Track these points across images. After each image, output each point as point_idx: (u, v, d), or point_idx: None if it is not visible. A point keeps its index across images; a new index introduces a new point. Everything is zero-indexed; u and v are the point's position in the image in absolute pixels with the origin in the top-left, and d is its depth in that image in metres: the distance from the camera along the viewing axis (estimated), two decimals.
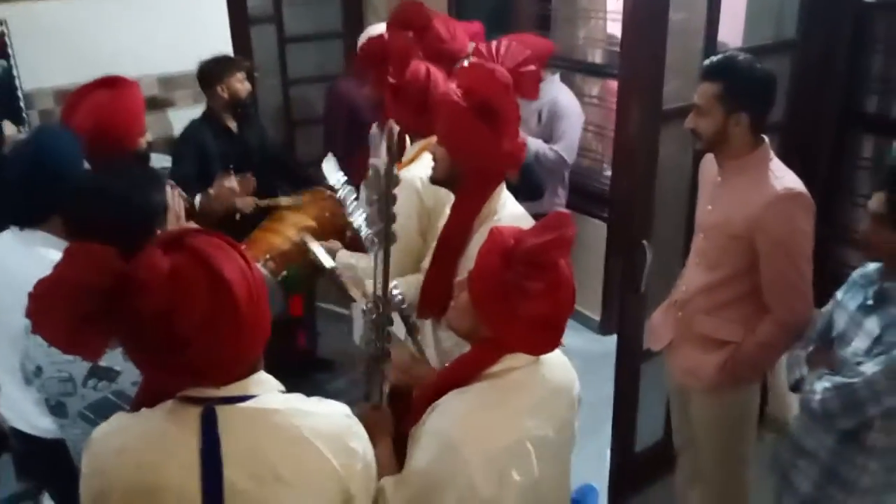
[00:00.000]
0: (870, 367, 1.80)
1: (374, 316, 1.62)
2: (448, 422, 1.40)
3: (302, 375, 3.47)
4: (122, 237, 1.26)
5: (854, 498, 1.92)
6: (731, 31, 2.84)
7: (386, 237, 1.53)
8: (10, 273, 1.84)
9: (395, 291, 2.10)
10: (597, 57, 4.23)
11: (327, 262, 1.97)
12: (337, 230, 2.79)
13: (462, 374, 1.47)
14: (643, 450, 2.91)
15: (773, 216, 2.06)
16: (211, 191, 3.11)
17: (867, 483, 1.89)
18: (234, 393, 1.20)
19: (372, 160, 1.56)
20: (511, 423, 1.41)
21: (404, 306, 2.05)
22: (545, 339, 1.43)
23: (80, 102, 2.26)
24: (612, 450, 2.83)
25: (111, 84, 2.30)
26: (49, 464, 1.89)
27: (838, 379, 1.86)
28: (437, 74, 2.30)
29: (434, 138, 2.11)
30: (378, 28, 3.69)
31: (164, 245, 1.13)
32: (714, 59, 2.16)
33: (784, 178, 2.11)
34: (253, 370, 1.24)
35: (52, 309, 1.09)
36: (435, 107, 2.06)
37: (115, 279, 1.10)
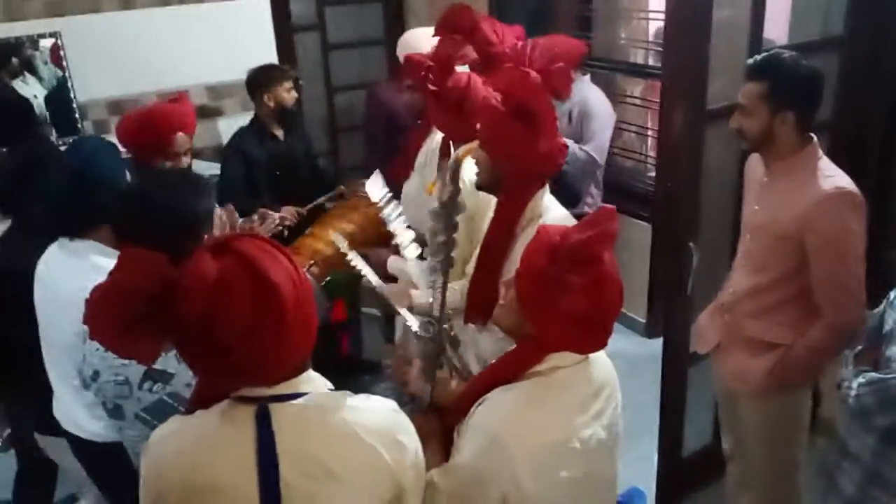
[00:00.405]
0: None
1: (429, 338, 1.64)
2: (494, 417, 1.41)
3: (346, 378, 3.51)
4: (168, 243, 1.29)
5: None
6: (777, 28, 2.79)
7: (446, 268, 1.54)
8: (59, 285, 1.91)
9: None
10: (639, 57, 4.19)
11: (374, 280, 1.99)
12: (381, 237, 2.82)
13: (507, 371, 1.47)
14: (691, 454, 2.87)
15: (822, 215, 2.02)
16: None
17: None
18: (285, 391, 1.22)
19: (436, 190, 1.58)
20: (558, 421, 1.42)
21: (450, 311, 2.08)
22: (590, 337, 1.42)
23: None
24: (658, 454, 2.80)
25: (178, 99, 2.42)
26: (103, 467, 1.95)
27: (874, 375, 1.81)
28: (477, 80, 2.32)
29: (475, 142, 2.13)
30: (416, 33, 3.73)
31: (212, 249, 1.16)
32: (758, 57, 2.13)
33: (834, 176, 2.07)
34: (302, 369, 1.26)
35: (105, 314, 1.12)
36: (475, 112, 2.08)
37: (163, 284, 1.13)
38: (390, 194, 2.55)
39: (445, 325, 1.93)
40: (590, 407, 1.46)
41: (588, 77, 3.70)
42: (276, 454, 1.18)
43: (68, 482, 2.75)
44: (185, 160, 2.63)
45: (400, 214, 2.41)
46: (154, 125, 2.55)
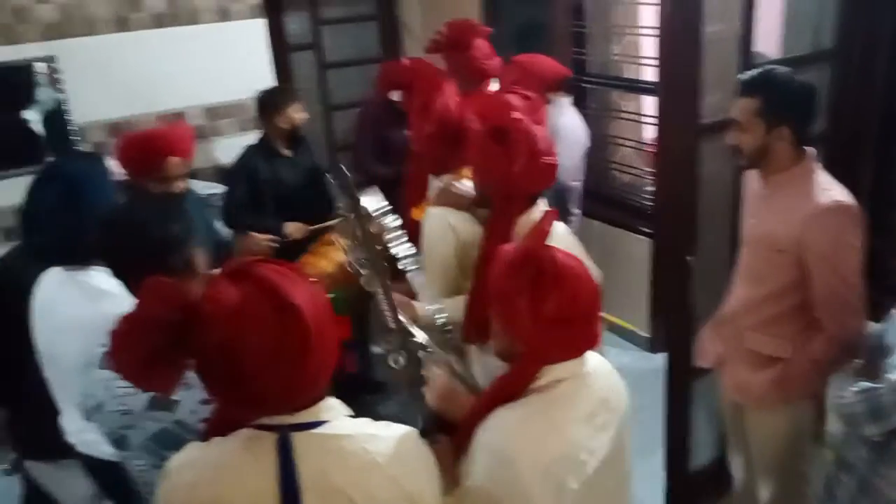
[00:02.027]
0: None
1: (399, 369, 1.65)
2: (499, 436, 1.40)
3: (351, 397, 3.50)
4: (141, 268, 1.28)
5: None
6: (768, 42, 2.81)
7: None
8: (60, 311, 1.90)
9: (438, 315, 2.13)
10: (632, 72, 4.21)
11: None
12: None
13: (506, 390, 1.47)
14: (698, 469, 2.86)
15: (819, 229, 2.03)
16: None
17: None
18: (306, 419, 1.21)
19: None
20: (563, 433, 1.41)
21: (449, 328, 2.07)
22: (572, 337, 1.41)
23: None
24: (666, 469, 2.80)
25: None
26: (119, 485, 1.92)
27: (866, 384, 1.82)
28: (462, 107, 2.36)
29: (459, 172, 2.25)
30: None
31: (230, 275, 1.15)
32: (750, 73, 2.13)
33: (831, 190, 2.08)
34: (323, 396, 1.26)
35: (129, 346, 1.10)
36: (465, 139, 2.14)
37: (183, 312, 1.11)
38: (388, 206, 2.56)
39: (450, 336, 1.93)
40: (595, 418, 1.45)
41: (568, 101, 3.69)
42: (298, 484, 1.17)
43: None
44: (180, 185, 2.63)
45: (398, 227, 2.42)
46: (148, 148, 2.56)
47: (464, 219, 2.20)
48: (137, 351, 1.09)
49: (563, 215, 3.14)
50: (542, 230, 1.41)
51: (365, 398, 3.62)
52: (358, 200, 1.70)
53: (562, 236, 2.02)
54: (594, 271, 1.92)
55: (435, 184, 2.46)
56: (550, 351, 1.42)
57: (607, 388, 1.52)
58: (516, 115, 1.96)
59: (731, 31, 2.47)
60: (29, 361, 2.03)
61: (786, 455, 2.31)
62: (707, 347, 2.47)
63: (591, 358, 1.52)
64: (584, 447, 1.42)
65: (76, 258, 1.91)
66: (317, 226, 3.26)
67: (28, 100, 3.42)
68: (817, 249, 2.04)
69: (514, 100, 2.37)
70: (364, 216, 1.67)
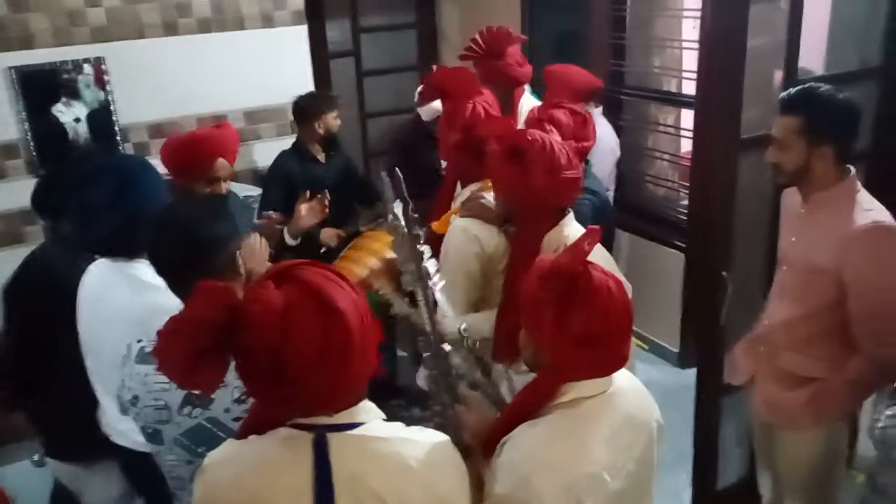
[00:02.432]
0: None
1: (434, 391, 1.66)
2: (520, 455, 1.40)
3: (378, 400, 3.52)
4: (189, 268, 1.30)
5: None
6: (813, 57, 2.77)
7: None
8: (107, 302, 1.95)
9: (464, 332, 2.12)
10: (672, 85, 4.19)
11: (401, 307, 2.02)
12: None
13: (529, 403, 1.46)
14: (726, 487, 2.82)
15: (860, 250, 2.00)
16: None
17: None
18: (343, 420, 1.23)
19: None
20: (584, 453, 1.39)
21: (475, 344, 2.07)
22: (598, 357, 1.39)
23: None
24: (692, 487, 2.76)
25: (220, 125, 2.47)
26: (155, 477, 1.96)
27: None
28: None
29: (486, 183, 2.27)
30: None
31: (274, 278, 1.17)
32: (792, 91, 2.10)
33: (872, 210, 2.04)
34: (360, 398, 1.27)
35: (176, 346, 1.12)
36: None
37: (230, 313, 1.13)
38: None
39: (476, 352, 1.92)
40: (618, 438, 1.44)
41: (599, 110, 3.68)
42: (333, 485, 1.18)
43: None
44: (224, 186, 2.68)
45: (424, 242, 2.42)
46: (197, 150, 2.59)
47: (489, 231, 2.20)
48: (183, 351, 1.11)
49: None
50: (581, 249, 1.40)
51: (389, 404, 3.64)
52: (409, 203, 1.72)
53: (595, 249, 2.01)
54: (626, 286, 1.91)
55: (463, 193, 2.46)
56: (575, 367, 1.41)
57: (635, 406, 1.50)
58: (532, 133, 2.00)
59: (775, 44, 2.44)
60: (64, 357, 2.07)
61: (815, 477, 2.27)
62: (739, 365, 2.43)
63: (619, 375, 1.50)
64: (607, 467, 1.40)
65: (126, 251, 1.95)
66: (349, 232, 3.30)
67: (75, 99, 3.51)
68: (856, 270, 2.01)
69: (560, 115, 2.40)
70: (410, 219, 1.68)
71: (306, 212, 3.10)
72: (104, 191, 1.93)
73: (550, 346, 1.39)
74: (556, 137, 2.05)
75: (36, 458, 3.52)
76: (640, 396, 1.55)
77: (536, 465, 1.36)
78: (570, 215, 2.09)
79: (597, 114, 3.64)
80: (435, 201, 2.65)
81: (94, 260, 2.04)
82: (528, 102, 3.29)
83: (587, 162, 2.77)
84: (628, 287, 1.96)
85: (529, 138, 1.98)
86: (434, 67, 3.03)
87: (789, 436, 2.28)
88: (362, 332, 1.17)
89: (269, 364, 1.12)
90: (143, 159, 2.12)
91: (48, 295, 2.16)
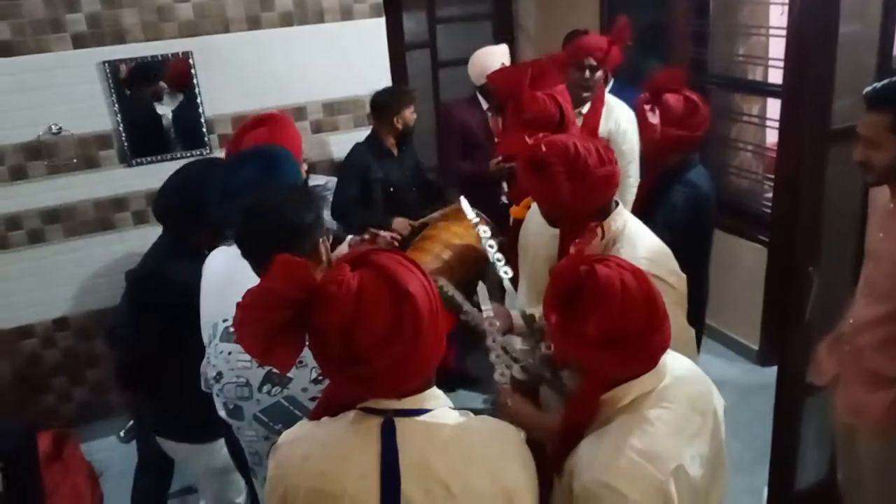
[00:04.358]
0: None
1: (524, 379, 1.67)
2: (599, 468, 1.34)
3: (448, 390, 3.55)
4: (269, 248, 1.32)
5: None
6: None
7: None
8: (233, 284, 1.98)
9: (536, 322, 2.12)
10: (757, 74, 4.05)
11: (467, 307, 2.04)
12: (478, 265, 2.85)
13: (579, 413, 1.43)
14: (804, 489, 2.73)
15: None
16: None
17: None
18: (411, 406, 1.25)
19: None
20: (662, 450, 1.36)
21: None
22: (628, 356, 1.35)
23: (240, 140, 2.40)
24: (769, 487, 2.69)
25: (265, 121, 2.42)
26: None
27: None
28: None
29: None
30: (487, 51, 3.86)
31: (350, 262, 1.21)
32: (878, 85, 1.98)
33: None
34: (428, 385, 1.29)
35: (255, 319, 1.15)
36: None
37: (307, 292, 1.17)
38: (481, 214, 2.58)
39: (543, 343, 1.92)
40: (688, 427, 1.40)
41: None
42: (399, 469, 1.21)
43: (179, 475, 2.89)
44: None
45: (492, 235, 2.43)
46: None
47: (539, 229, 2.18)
48: (261, 325, 1.15)
49: (705, 229, 2.95)
50: (578, 252, 1.37)
51: (459, 394, 3.66)
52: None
53: (650, 247, 1.99)
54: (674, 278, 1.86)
55: None
56: (606, 370, 1.37)
57: (696, 392, 1.47)
58: (553, 141, 1.94)
59: (868, 32, 2.33)
60: (182, 346, 2.11)
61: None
62: (823, 364, 2.35)
63: (673, 362, 1.47)
64: (685, 456, 1.37)
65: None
66: (419, 221, 3.33)
67: (166, 91, 3.66)
68: None
69: (671, 99, 2.47)
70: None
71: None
72: (247, 177, 1.99)
73: (574, 352, 1.37)
74: (588, 143, 1.96)
75: (122, 434, 3.71)
76: (699, 381, 1.51)
77: (620, 475, 1.32)
78: (620, 207, 2.04)
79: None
80: (513, 187, 2.65)
81: (202, 255, 2.11)
82: (612, 99, 3.26)
83: (694, 152, 2.71)
84: (676, 280, 1.93)
85: (547, 148, 1.93)
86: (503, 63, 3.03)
87: (872, 440, 2.19)
88: (432, 317, 1.19)
89: (340, 343, 1.15)
90: (283, 148, 2.17)
91: (170, 286, 2.23)
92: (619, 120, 3.20)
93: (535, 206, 2.29)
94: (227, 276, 2.02)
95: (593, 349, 1.33)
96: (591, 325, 1.30)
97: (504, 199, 3.97)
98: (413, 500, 1.20)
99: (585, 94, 3.13)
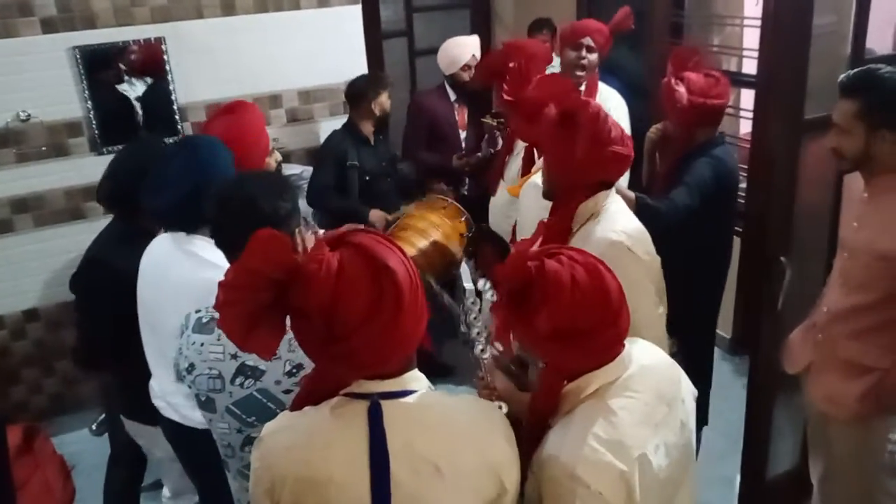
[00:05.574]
0: None
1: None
2: (565, 457, 1.33)
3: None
4: (242, 238, 1.30)
5: None
6: (882, 38, 2.67)
7: None
8: (167, 274, 2.00)
9: None
10: (731, 64, 4.07)
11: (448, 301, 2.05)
12: (457, 233, 2.87)
13: (542, 405, 1.42)
14: (775, 477, 2.77)
15: None
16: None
17: None
18: (395, 388, 1.25)
19: None
20: (626, 438, 1.35)
21: None
22: (585, 349, 1.34)
23: (208, 128, 2.37)
24: (742, 475, 2.72)
25: (234, 109, 2.39)
26: (198, 453, 2.03)
27: None
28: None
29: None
30: (458, 41, 3.88)
31: (331, 241, 1.21)
32: (850, 73, 2.03)
33: None
34: (410, 366, 1.29)
35: (234, 299, 1.14)
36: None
37: (287, 271, 1.16)
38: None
39: None
40: (653, 416, 1.40)
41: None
42: (387, 451, 1.21)
43: (154, 468, 2.87)
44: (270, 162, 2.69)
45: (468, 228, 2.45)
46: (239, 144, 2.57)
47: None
48: (242, 306, 1.14)
49: (729, 205, 2.96)
50: (520, 250, 1.37)
51: (433, 382, 3.64)
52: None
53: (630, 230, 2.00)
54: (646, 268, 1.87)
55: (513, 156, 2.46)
56: (566, 362, 1.37)
57: (664, 380, 1.47)
58: (590, 101, 1.96)
59: (842, 24, 2.35)
60: (136, 328, 2.15)
61: (871, 473, 2.20)
62: (796, 353, 2.37)
63: (640, 350, 1.47)
64: (649, 445, 1.37)
65: (190, 224, 2.00)
66: (394, 215, 3.33)
67: (138, 78, 3.59)
68: None
69: (693, 76, 2.57)
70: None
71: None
72: (177, 165, 1.99)
73: (528, 345, 1.39)
74: (611, 117, 1.98)
75: (94, 426, 3.66)
76: (666, 369, 1.51)
77: (582, 464, 1.32)
78: (611, 191, 2.04)
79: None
80: (494, 168, 2.66)
81: (151, 238, 2.11)
82: (605, 90, 3.28)
83: (717, 124, 2.78)
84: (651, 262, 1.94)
85: (584, 104, 1.93)
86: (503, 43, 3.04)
87: (844, 428, 2.22)
88: (412, 291, 1.20)
89: (323, 321, 1.15)
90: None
91: (113, 273, 2.22)
92: (610, 108, 3.21)
93: (527, 184, 2.28)
94: (162, 265, 2.01)
95: (545, 342, 1.33)
96: (541, 319, 1.30)
97: (465, 191, 3.99)
98: (402, 481, 1.21)
99: (580, 73, 3.13)
